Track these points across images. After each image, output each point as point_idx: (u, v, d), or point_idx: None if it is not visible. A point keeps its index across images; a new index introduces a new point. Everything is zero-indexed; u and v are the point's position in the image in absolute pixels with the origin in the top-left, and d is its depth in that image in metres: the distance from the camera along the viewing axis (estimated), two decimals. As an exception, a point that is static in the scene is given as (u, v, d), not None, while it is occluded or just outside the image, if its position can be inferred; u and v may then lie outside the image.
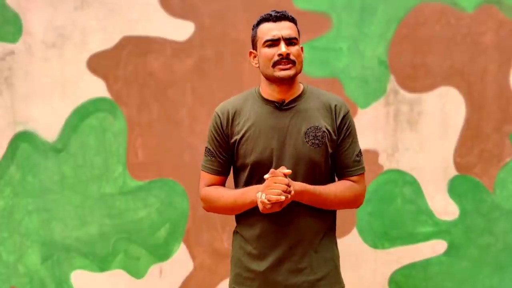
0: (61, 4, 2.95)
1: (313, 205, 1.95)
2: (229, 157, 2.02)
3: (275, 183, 1.79)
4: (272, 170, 1.83)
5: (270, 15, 1.92)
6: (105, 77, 2.99)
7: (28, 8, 2.96)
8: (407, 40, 2.91)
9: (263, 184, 1.84)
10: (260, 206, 1.82)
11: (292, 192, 1.81)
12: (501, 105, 2.91)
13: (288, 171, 1.82)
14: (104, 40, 2.96)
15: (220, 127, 1.99)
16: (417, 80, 2.92)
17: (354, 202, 2.03)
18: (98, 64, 2.97)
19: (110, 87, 2.99)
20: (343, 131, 1.98)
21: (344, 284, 2.07)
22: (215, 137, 2.00)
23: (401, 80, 2.93)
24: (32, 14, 2.96)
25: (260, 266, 1.97)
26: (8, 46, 2.97)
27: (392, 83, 2.93)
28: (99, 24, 2.96)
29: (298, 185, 1.87)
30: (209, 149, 2.03)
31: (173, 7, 2.95)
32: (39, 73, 2.98)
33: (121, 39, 2.97)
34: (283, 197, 1.76)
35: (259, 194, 1.82)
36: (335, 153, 1.99)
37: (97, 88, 2.98)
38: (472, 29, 2.89)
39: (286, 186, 1.78)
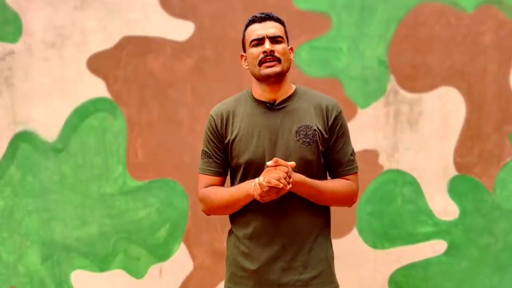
0: (61, 4, 2.95)
1: (309, 199, 1.96)
2: (226, 158, 2.04)
3: (276, 169, 1.79)
4: (275, 158, 1.83)
5: (256, 16, 1.97)
6: (105, 77, 2.99)
7: (28, 8, 2.96)
8: (407, 40, 2.91)
9: (264, 171, 1.84)
10: (258, 191, 1.81)
11: (291, 181, 1.82)
12: (501, 105, 2.91)
13: (292, 163, 1.82)
14: (104, 40, 2.96)
15: (215, 128, 2.02)
16: (417, 80, 2.92)
17: (349, 200, 2.05)
18: (98, 64, 2.98)
19: (110, 87, 2.99)
20: (336, 131, 2.00)
21: (338, 285, 2.06)
22: (211, 139, 2.03)
23: (401, 80, 2.93)
24: (32, 14, 2.96)
25: (254, 264, 1.98)
26: (8, 46, 2.97)
27: (392, 83, 2.93)
28: (99, 24, 2.96)
29: (297, 176, 1.88)
30: (205, 151, 2.06)
31: (173, 7, 2.95)
32: (39, 73, 2.98)
33: (121, 39, 2.97)
34: (281, 184, 1.76)
35: (257, 179, 1.82)
36: (328, 153, 2.01)
37: (97, 88, 2.98)
38: (472, 29, 2.89)
39: (285, 174, 1.78)
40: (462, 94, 2.92)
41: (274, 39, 1.93)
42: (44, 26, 2.96)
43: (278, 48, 1.92)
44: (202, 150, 2.07)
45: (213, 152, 2.03)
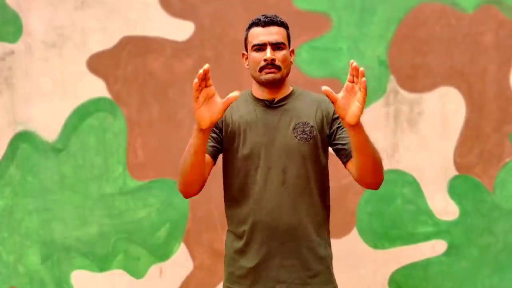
0: (61, 4, 2.95)
1: (361, 148, 1.87)
2: (218, 145, 2.02)
3: None
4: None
5: (259, 19, 1.98)
6: (105, 77, 2.99)
7: (28, 8, 2.96)
8: (407, 40, 2.91)
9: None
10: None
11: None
12: (501, 105, 2.91)
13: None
14: (104, 40, 2.97)
15: None
16: (417, 80, 2.92)
17: (381, 168, 1.94)
18: (98, 64, 2.98)
19: (110, 87, 2.99)
20: (337, 120, 2.00)
21: (336, 285, 2.06)
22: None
23: (401, 80, 2.93)
24: (32, 14, 2.96)
25: (252, 262, 1.98)
26: (8, 46, 2.97)
27: (392, 83, 2.93)
28: (99, 24, 2.96)
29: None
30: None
31: (173, 7, 2.96)
32: (39, 73, 2.98)
33: (121, 39, 2.97)
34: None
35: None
36: (337, 138, 1.99)
37: (97, 88, 2.98)
38: (472, 29, 2.89)
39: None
40: (462, 94, 2.92)
41: (276, 46, 1.95)
42: (44, 26, 2.96)
43: (279, 56, 1.95)
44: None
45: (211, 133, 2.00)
